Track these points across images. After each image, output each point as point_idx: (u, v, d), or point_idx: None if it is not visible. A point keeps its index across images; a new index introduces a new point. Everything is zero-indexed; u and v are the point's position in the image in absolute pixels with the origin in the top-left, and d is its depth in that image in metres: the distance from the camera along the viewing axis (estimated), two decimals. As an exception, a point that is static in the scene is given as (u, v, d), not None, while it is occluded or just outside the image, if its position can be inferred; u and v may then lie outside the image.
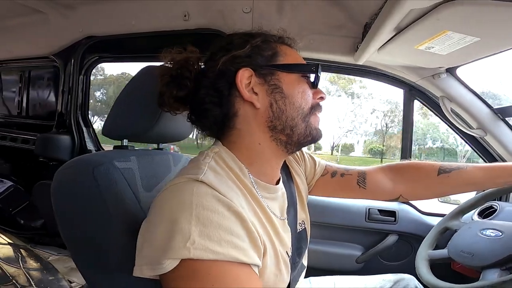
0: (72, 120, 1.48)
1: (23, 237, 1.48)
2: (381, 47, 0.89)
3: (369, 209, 1.15)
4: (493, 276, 0.59)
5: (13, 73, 1.82)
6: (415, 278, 0.79)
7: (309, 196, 0.73)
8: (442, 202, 1.10)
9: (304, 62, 0.55)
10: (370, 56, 0.98)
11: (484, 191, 0.82)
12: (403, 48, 0.84)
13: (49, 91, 1.70)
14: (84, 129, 1.50)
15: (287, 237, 0.54)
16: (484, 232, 0.69)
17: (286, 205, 0.58)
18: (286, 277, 0.52)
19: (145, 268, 0.39)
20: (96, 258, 0.50)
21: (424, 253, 0.78)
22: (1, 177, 1.71)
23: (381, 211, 1.15)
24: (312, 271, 0.82)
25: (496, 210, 0.95)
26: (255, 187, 0.50)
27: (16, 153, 1.69)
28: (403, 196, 0.71)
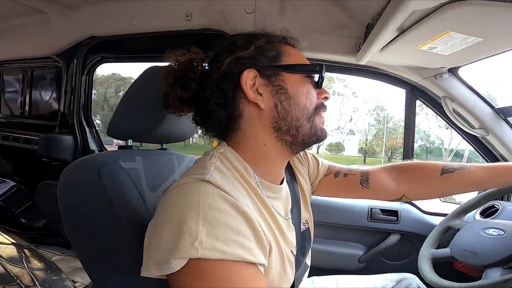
0: (75, 120, 1.49)
1: (26, 237, 1.49)
2: (383, 47, 0.89)
3: (371, 208, 1.15)
4: (495, 275, 0.60)
5: (16, 73, 1.82)
6: (417, 278, 0.80)
7: (312, 196, 0.73)
8: (444, 201, 1.10)
9: (308, 62, 0.55)
10: (372, 56, 0.98)
11: (486, 190, 0.82)
12: (406, 48, 0.85)
13: (52, 91, 1.70)
14: (87, 129, 1.51)
15: (292, 236, 0.55)
16: (486, 231, 0.70)
17: (290, 204, 0.59)
18: (290, 276, 0.53)
19: (153, 268, 0.39)
20: (102, 258, 0.51)
21: (426, 252, 0.78)
22: (3, 177, 1.72)
23: (383, 211, 1.15)
24: (315, 271, 0.82)
25: (498, 209, 0.95)
26: (260, 187, 0.50)
27: (18, 153, 1.69)
28: (406, 196, 0.71)
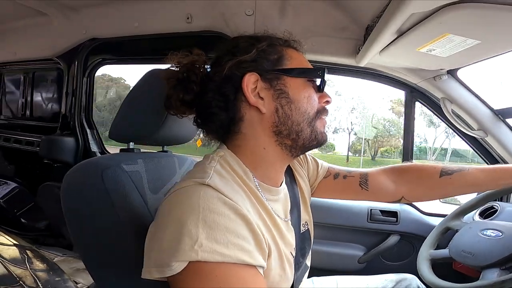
0: (76, 122, 1.50)
1: (28, 238, 1.50)
2: (383, 49, 0.89)
3: (371, 209, 1.16)
4: (492, 275, 0.60)
5: (17, 75, 1.83)
6: (417, 278, 0.80)
7: (312, 197, 0.74)
8: (443, 202, 1.11)
9: (310, 65, 0.55)
10: (371, 58, 0.99)
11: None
12: (405, 50, 0.85)
13: (53, 93, 1.71)
14: (88, 131, 1.51)
15: (291, 237, 0.55)
16: (484, 232, 0.70)
17: (289, 206, 0.59)
18: (290, 276, 0.53)
19: (153, 270, 0.39)
20: (105, 260, 0.52)
21: (425, 253, 0.79)
22: (5, 178, 1.73)
23: (383, 212, 1.16)
24: (315, 271, 0.83)
25: (497, 210, 0.96)
26: (259, 190, 0.50)
27: (20, 155, 1.70)
28: (405, 198, 0.72)
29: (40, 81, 1.75)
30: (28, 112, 1.78)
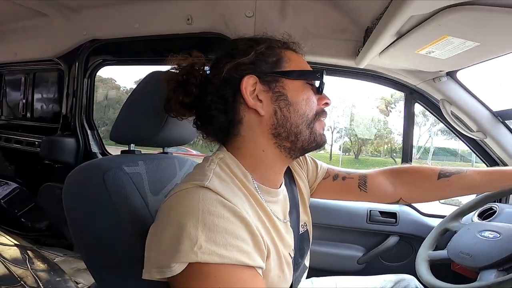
0: (77, 122, 1.50)
1: (29, 239, 1.51)
2: (382, 51, 0.90)
3: (370, 210, 1.16)
4: (490, 277, 0.60)
5: (18, 76, 1.84)
6: (415, 279, 0.81)
7: (311, 198, 0.74)
8: (442, 203, 1.11)
9: (309, 67, 0.55)
10: (371, 60, 0.99)
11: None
12: (404, 52, 0.86)
13: (54, 93, 1.72)
14: (89, 131, 1.52)
15: (290, 238, 0.56)
16: (482, 234, 0.70)
17: (288, 207, 0.59)
18: (288, 277, 0.54)
19: (154, 271, 0.40)
20: (106, 260, 0.52)
21: (424, 254, 0.79)
22: (6, 179, 1.74)
23: (382, 213, 1.16)
24: (314, 272, 0.83)
25: (495, 212, 0.96)
26: (259, 192, 0.51)
27: (21, 155, 1.71)
28: (403, 199, 0.72)
29: (41, 82, 1.76)
30: (29, 113, 1.79)
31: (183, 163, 0.74)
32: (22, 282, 0.86)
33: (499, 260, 0.62)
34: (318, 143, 0.54)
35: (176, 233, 0.38)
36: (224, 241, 0.38)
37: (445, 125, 1.14)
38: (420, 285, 0.79)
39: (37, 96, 1.77)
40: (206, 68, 0.55)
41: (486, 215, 0.98)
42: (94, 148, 1.51)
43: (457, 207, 0.87)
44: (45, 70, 1.73)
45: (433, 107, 1.15)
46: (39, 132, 1.65)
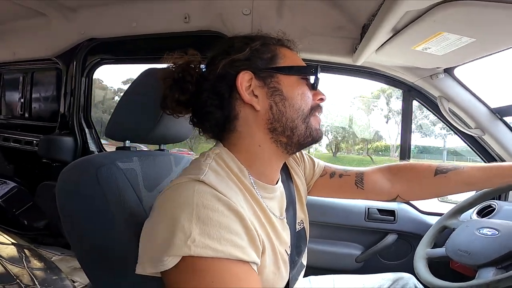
0: (75, 121, 1.50)
1: (26, 238, 1.50)
2: (379, 48, 0.90)
3: (368, 208, 1.16)
4: (488, 274, 0.60)
5: (16, 75, 1.84)
6: (414, 277, 0.80)
7: (309, 196, 0.74)
8: (441, 201, 1.11)
9: (304, 63, 0.56)
10: (368, 57, 0.99)
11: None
12: (401, 49, 0.85)
13: (52, 92, 1.72)
14: (87, 130, 1.52)
15: (286, 235, 0.55)
16: (480, 231, 0.70)
17: (285, 204, 0.59)
18: (284, 275, 0.53)
19: (147, 265, 0.40)
20: (100, 257, 0.51)
21: (422, 252, 0.78)
22: (4, 178, 1.74)
23: (381, 211, 1.16)
24: (312, 270, 0.83)
25: (494, 209, 0.96)
26: (255, 187, 0.51)
27: (19, 154, 1.71)
28: (400, 197, 0.72)
29: (39, 81, 1.76)
30: (27, 112, 1.79)
31: (179, 160, 0.74)
32: (18, 280, 0.86)
33: (497, 258, 0.61)
34: (314, 138, 0.54)
35: (170, 226, 0.38)
36: (218, 234, 0.38)
37: (443, 122, 1.14)
38: (418, 283, 0.78)
39: (35, 95, 1.77)
40: (202, 66, 0.55)
41: (485, 212, 0.98)
42: (92, 147, 1.52)
43: (455, 205, 0.86)
44: (43, 69, 1.73)
45: (431, 104, 1.15)
46: (37, 131, 1.65)
